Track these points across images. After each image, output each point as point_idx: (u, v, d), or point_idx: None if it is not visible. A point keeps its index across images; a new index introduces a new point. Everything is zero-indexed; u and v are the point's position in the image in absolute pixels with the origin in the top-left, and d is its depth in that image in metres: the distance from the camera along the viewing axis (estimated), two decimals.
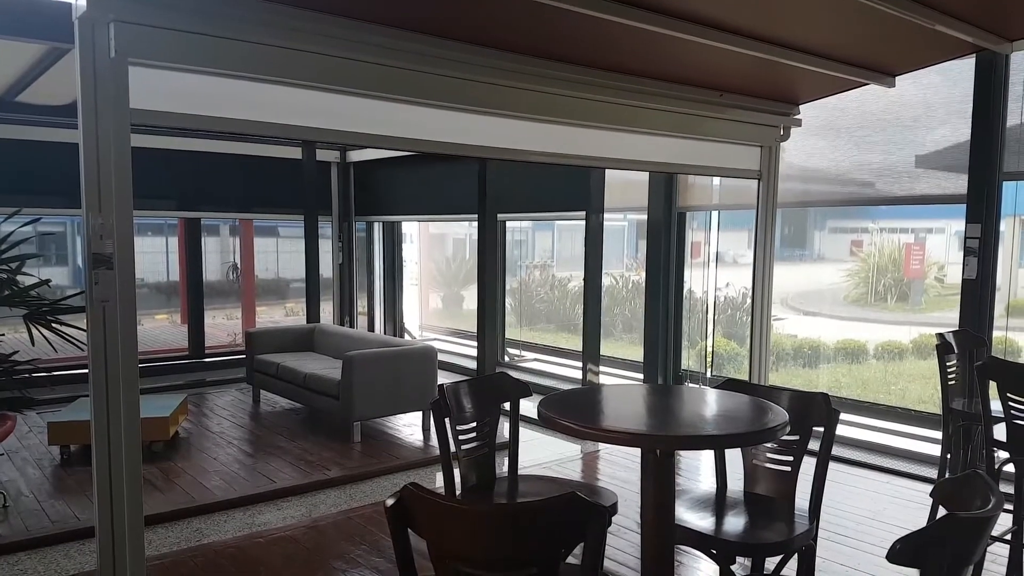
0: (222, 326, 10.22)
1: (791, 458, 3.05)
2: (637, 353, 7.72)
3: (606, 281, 8.22)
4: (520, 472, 3.35)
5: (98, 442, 2.67)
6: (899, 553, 1.58)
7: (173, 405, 6.13)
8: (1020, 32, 3.99)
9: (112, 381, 2.67)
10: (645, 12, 3.24)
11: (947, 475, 4.36)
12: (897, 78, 4.52)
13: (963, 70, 5.26)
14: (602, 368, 7.81)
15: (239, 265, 10.48)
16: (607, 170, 7.50)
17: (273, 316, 11.02)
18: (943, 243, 6.84)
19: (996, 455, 3.76)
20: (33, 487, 5.16)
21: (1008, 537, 3.65)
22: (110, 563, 2.70)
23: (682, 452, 5.76)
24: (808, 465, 2.97)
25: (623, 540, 4.24)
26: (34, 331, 4.74)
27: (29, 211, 5.14)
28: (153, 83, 2.76)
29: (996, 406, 3.63)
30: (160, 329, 10.29)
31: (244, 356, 7.97)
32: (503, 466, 3.36)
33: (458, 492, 3.08)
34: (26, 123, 7.42)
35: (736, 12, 3.44)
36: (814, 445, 2.96)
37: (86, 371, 2.68)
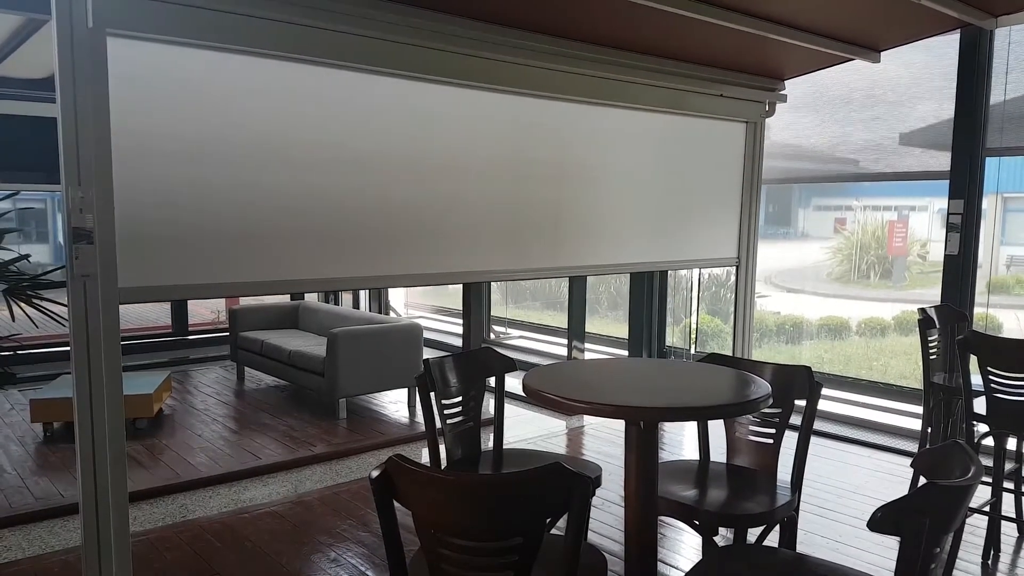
0: (205, 303, 10.15)
1: (773, 431, 3.07)
2: (622, 330, 7.74)
3: None
4: (505, 447, 3.37)
5: (81, 419, 2.66)
6: (880, 521, 1.59)
7: (157, 382, 6.10)
8: (1005, 7, 3.99)
9: (95, 358, 2.66)
10: None
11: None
12: (882, 54, 4.52)
13: (947, 46, 5.26)
14: (587, 345, 7.83)
15: None
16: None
17: None
18: (926, 221, 6.88)
19: (976, 428, 3.81)
20: (16, 464, 5.13)
21: (987, 509, 3.71)
22: (94, 539, 2.70)
23: (665, 425, 5.80)
24: (790, 439, 3.00)
25: (607, 513, 4.27)
26: (15, 307, 4.69)
27: (7, 186, 5.07)
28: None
29: (976, 380, 3.68)
30: (143, 306, 10.22)
31: (228, 333, 7.93)
32: (488, 441, 3.36)
33: (443, 467, 3.09)
34: (2, 97, 7.29)
35: None
36: (796, 419, 2.98)
37: (68, 348, 2.66)
